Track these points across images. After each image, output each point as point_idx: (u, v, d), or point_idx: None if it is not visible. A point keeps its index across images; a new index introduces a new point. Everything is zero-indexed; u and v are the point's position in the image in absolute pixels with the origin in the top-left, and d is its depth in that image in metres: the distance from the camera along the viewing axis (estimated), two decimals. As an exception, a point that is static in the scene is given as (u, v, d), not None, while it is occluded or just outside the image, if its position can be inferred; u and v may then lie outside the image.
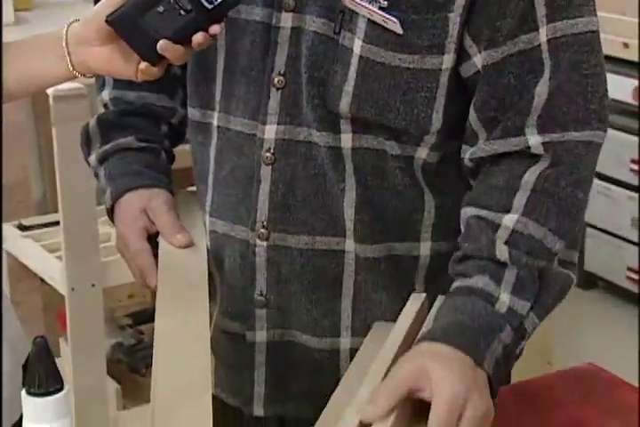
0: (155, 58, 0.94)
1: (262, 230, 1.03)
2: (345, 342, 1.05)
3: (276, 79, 0.99)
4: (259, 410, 1.10)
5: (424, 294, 1.01)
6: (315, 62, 0.97)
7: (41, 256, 2.25)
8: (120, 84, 1.18)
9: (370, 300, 1.04)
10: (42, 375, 0.75)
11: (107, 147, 1.17)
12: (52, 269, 2.19)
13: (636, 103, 2.89)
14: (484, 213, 0.96)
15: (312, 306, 1.04)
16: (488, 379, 0.88)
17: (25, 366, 1.03)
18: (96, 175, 1.21)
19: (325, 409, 0.90)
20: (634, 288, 3.00)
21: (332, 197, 1.00)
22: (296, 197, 1.01)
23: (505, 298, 0.91)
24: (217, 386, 1.14)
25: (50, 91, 2.02)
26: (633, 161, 2.90)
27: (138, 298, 2.71)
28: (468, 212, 0.98)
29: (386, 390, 0.84)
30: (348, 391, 0.90)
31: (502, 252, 0.93)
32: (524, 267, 0.93)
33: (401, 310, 1.01)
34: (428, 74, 0.95)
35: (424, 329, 0.94)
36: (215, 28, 0.93)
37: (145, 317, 2.57)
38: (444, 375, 0.84)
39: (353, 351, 1.03)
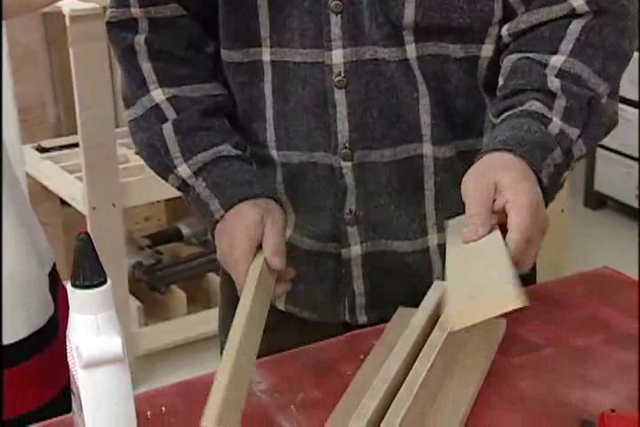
0: None
1: (346, 151, 1.06)
2: (432, 238, 1.10)
3: (332, 4, 1.01)
4: (363, 319, 1.15)
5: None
6: None
7: (61, 177, 2.28)
8: (167, 80, 1.08)
9: (450, 197, 1.07)
10: (86, 269, 0.78)
11: (204, 155, 1.06)
12: (73, 190, 2.23)
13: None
14: (531, 55, 1.00)
15: (400, 213, 1.09)
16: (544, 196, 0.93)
17: (50, 274, 1.07)
18: (184, 187, 1.08)
19: (349, 388, 0.94)
20: (643, 207, 3.04)
21: (406, 106, 1.04)
22: (373, 114, 1.04)
23: (557, 121, 0.97)
24: (312, 310, 1.17)
25: (66, 11, 2.03)
26: (645, 80, 2.90)
27: (154, 221, 2.76)
28: (512, 58, 1.02)
29: (476, 215, 0.90)
30: (368, 373, 0.95)
31: (553, 82, 0.98)
32: (575, 96, 0.98)
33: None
34: None
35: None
36: None
37: (163, 238, 2.62)
38: (519, 185, 0.90)
39: (441, 246, 1.10)
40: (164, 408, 0.95)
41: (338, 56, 1.02)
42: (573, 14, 1.01)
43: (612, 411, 0.83)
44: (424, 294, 1.03)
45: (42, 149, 2.39)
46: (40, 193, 2.43)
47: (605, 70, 1.00)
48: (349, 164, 1.07)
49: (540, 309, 1.10)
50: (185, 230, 2.62)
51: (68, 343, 0.82)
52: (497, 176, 0.92)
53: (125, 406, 0.81)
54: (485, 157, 0.96)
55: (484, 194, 0.92)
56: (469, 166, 1.03)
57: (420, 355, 0.93)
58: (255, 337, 0.93)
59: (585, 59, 1.00)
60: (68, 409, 1.02)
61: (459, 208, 1.08)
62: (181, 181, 1.07)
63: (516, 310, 1.08)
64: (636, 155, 3.02)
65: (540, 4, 1.01)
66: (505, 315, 1.06)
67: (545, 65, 1.00)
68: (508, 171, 0.93)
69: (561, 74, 0.99)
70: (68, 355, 0.83)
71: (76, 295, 0.79)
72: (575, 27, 1.00)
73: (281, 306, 1.17)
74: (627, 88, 2.97)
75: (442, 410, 0.92)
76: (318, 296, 1.15)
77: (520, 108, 0.99)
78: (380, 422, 0.84)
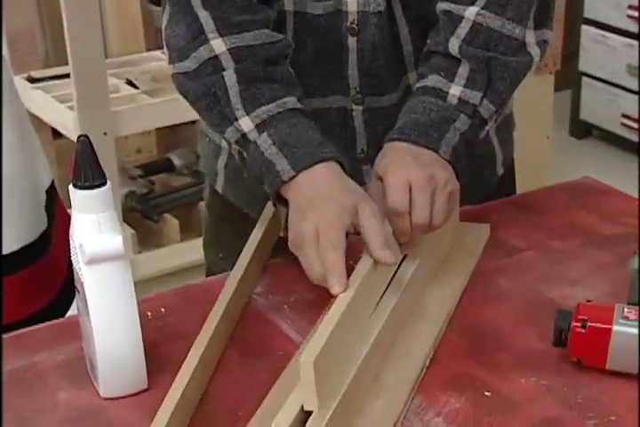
0: None
1: (357, 95, 1.09)
2: None
3: None
4: None
5: None
6: None
7: (52, 107, 2.30)
8: (227, 28, 1.01)
9: None
10: (87, 170, 0.82)
11: (269, 108, 0.99)
12: (65, 119, 2.25)
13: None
14: (452, 6, 1.03)
15: None
16: (453, 167, 0.98)
17: (48, 192, 1.10)
18: (243, 142, 1.00)
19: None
20: (629, 135, 3.07)
21: (412, 59, 1.07)
22: (380, 62, 1.07)
23: (455, 91, 1.01)
24: None
25: (53, -62, 2.02)
26: (631, 7, 2.91)
27: (146, 153, 2.78)
28: (440, 6, 1.05)
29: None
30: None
31: (454, 46, 1.02)
32: (474, 59, 1.01)
33: None
34: None
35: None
36: None
37: (155, 168, 2.65)
38: (397, 167, 0.94)
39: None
40: (163, 309, 0.99)
41: (352, 4, 1.06)
42: None
43: (588, 301, 0.88)
44: None
45: (32, 80, 2.40)
46: (32, 123, 2.44)
47: (518, 14, 1.02)
48: (360, 107, 1.10)
49: (522, 215, 1.14)
50: (176, 161, 2.65)
51: (71, 242, 0.86)
52: (388, 166, 0.96)
53: (128, 300, 0.86)
54: (383, 148, 1.00)
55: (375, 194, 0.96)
56: None
57: (405, 261, 0.97)
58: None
59: (497, 9, 1.01)
60: (62, 314, 1.07)
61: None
62: (241, 135, 1.00)
63: (498, 217, 1.13)
64: (621, 82, 3.04)
65: None
66: (489, 221, 1.12)
67: (460, 19, 1.02)
68: (398, 158, 0.97)
69: (471, 31, 1.02)
70: (72, 254, 0.87)
71: (77, 196, 0.83)
72: None
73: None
74: (611, 15, 2.99)
75: (427, 308, 0.97)
76: None
77: (424, 81, 1.03)
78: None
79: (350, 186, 0.96)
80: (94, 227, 0.83)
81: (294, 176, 0.96)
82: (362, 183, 1.14)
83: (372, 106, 1.10)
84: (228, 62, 1.00)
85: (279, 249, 1.12)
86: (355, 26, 1.06)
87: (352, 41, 1.07)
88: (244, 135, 1.00)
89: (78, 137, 0.83)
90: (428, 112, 1.01)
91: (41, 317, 1.04)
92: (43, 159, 1.13)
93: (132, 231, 2.43)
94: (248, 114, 0.99)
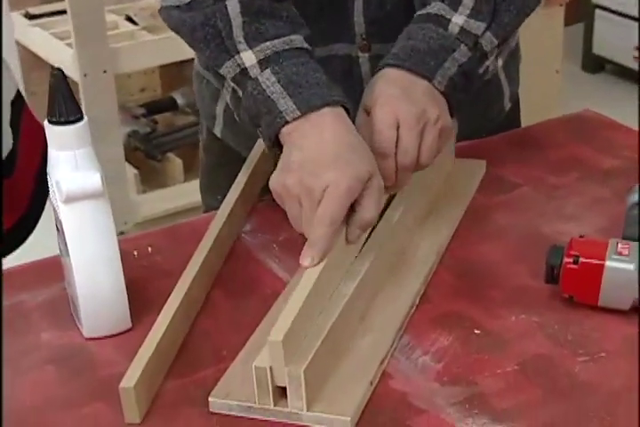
0: None
1: (363, 42, 1.05)
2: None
3: None
4: None
5: None
6: None
7: (51, 44, 2.26)
8: None
9: None
10: (62, 105, 0.79)
11: (275, 43, 0.92)
12: (63, 57, 2.21)
13: None
14: None
15: None
16: (448, 102, 0.94)
17: (14, 104, 1.06)
18: (241, 79, 0.93)
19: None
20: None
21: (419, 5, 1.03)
22: (387, 8, 1.03)
23: (458, 20, 0.97)
24: None
25: None
26: None
27: (149, 92, 2.75)
28: None
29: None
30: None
31: None
32: None
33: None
34: None
35: None
36: None
37: (158, 107, 2.62)
38: (386, 102, 0.90)
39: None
40: (150, 248, 0.98)
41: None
42: None
43: (581, 237, 0.85)
44: None
45: (30, 16, 2.36)
46: (31, 61, 2.41)
47: None
48: (366, 55, 1.06)
49: (520, 151, 1.11)
50: (179, 100, 2.62)
51: (49, 179, 0.84)
52: (377, 96, 0.92)
53: (108, 239, 0.84)
54: (373, 78, 0.96)
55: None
56: None
57: (397, 196, 0.95)
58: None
59: None
60: (30, 231, 1.05)
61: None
62: (240, 70, 0.93)
63: (495, 153, 1.10)
64: (635, 14, 2.97)
65: None
66: (485, 157, 1.09)
67: None
68: (387, 87, 0.93)
69: None
70: (50, 192, 0.85)
71: (53, 132, 0.81)
72: None
73: None
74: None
75: (421, 243, 0.95)
76: None
77: (424, 10, 0.99)
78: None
79: (359, 146, 0.88)
80: (71, 164, 0.81)
81: (299, 117, 0.88)
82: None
83: (379, 53, 1.05)
84: None
85: (269, 188, 1.10)
86: None
87: None
88: (243, 70, 0.93)
89: (51, 71, 0.80)
90: (427, 39, 0.96)
91: (10, 235, 1.02)
92: (7, 71, 1.07)
93: (135, 171, 2.41)
94: (251, 48, 0.92)
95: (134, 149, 2.48)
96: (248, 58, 0.92)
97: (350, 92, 1.06)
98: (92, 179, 0.82)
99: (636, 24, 2.98)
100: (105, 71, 2.17)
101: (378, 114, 0.91)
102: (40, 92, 2.40)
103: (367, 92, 0.95)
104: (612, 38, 3.09)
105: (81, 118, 0.81)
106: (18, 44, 2.39)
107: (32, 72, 2.40)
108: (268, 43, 0.92)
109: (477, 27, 0.97)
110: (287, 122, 0.89)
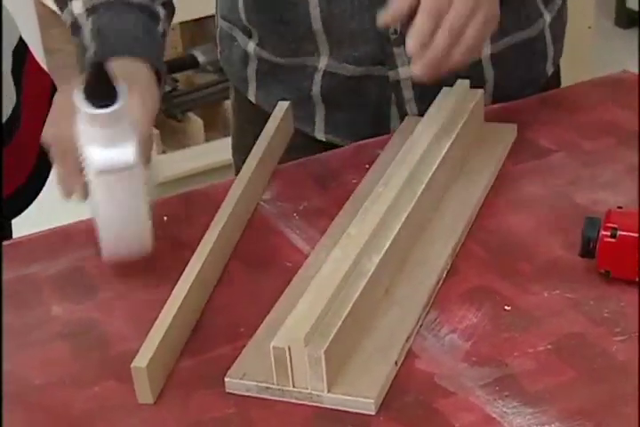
0: None
1: None
2: (486, 49, 1.05)
3: None
4: None
5: (467, 81, 1.00)
6: None
7: None
8: None
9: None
10: (101, 90, 0.76)
11: None
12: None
13: None
14: None
15: None
16: None
17: (15, 52, 1.01)
18: (76, 29, 0.94)
19: (353, 195, 0.92)
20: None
21: None
22: None
23: None
24: (355, 137, 1.09)
25: None
26: None
27: (169, 49, 2.69)
28: None
29: None
30: (372, 181, 0.92)
31: None
32: None
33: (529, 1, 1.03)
34: None
35: None
36: None
37: (178, 65, 2.56)
38: None
39: (493, 56, 1.06)
40: (165, 218, 0.94)
41: None
42: None
43: (619, 208, 0.80)
44: None
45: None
46: (50, 18, 2.36)
47: None
48: None
49: (553, 113, 1.06)
50: (200, 58, 2.56)
51: (80, 152, 0.81)
52: None
53: (138, 209, 0.81)
54: None
55: None
56: None
57: (424, 161, 0.91)
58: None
59: None
60: (31, 201, 1.01)
61: (509, 12, 1.01)
62: (73, 19, 0.93)
63: (527, 116, 1.05)
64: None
65: None
66: (516, 121, 1.03)
67: None
68: None
69: None
70: (82, 163, 0.81)
71: (88, 111, 0.78)
72: None
73: (321, 136, 1.12)
74: None
75: (444, 216, 0.90)
76: (361, 123, 1.10)
77: None
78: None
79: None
80: (106, 139, 0.78)
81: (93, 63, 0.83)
82: (394, 67, 1.05)
83: None
84: None
85: (291, 151, 1.05)
86: None
87: None
88: (75, 19, 0.93)
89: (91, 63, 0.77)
90: None
91: (7, 204, 0.98)
92: (8, 15, 1.02)
93: (156, 131, 2.36)
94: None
95: (154, 109, 2.44)
96: (77, 6, 0.93)
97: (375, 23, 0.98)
98: (126, 154, 0.79)
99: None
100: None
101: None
102: (60, 49, 2.35)
103: None
104: (646, -8, 3.00)
105: (117, 100, 0.78)
106: (36, 1, 2.34)
107: (50, 29, 2.35)
108: None
109: None
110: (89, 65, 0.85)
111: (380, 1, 0.99)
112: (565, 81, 1.21)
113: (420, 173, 0.89)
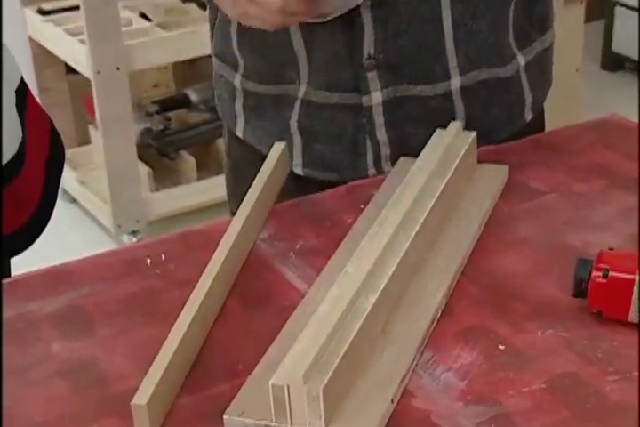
0: None
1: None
2: (455, 82, 1.08)
3: None
4: (388, 169, 1.11)
5: (459, 123, 1.03)
6: None
7: (64, 40, 2.24)
8: None
9: (469, 30, 1.05)
10: None
11: None
12: (77, 53, 2.19)
13: None
14: None
15: (421, 54, 1.06)
16: None
17: (17, 91, 1.02)
18: None
19: (348, 235, 0.93)
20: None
21: None
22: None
23: None
24: (333, 170, 1.13)
25: None
26: None
27: (162, 88, 2.72)
28: None
29: None
30: (367, 221, 0.93)
31: None
32: None
33: (500, 38, 1.06)
34: None
35: None
36: None
37: (171, 104, 2.59)
38: None
39: (463, 90, 1.08)
40: (163, 256, 0.95)
41: None
42: None
43: (611, 249, 0.82)
44: None
45: (43, 12, 2.33)
46: (44, 58, 2.39)
47: None
48: (368, 3, 1.02)
49: (544, 156, 1.08)
50: (193, 96, 2.60)
51: None
52: None
53: None
54: None
55: None
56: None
57: (418, 202, 0.92)
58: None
59: None
60: (33, 240, 1.01)
61: (479, 43, 1.05)
62: None
63: (518, 158, 1.07)
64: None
65: None
66: (508, 162, 1.05)
67: None
68: None
69: None
70: None
71: None
72: None
73: (299, 170, 1.14)
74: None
75: (439, 256, 0.92)
76: (339, 154, 1.12)
77: None
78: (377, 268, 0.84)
79: None
80: None
81: None
82: (367, 92, 1.07)
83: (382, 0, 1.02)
84: None
85: (286, 191, 1.07)
86: None
87: None
88: None
89: None
90: None
91: (9, 243, 0.98)
92: (9, 58, 1.03)
93: (148, 169, 2.38)
94: None
95: (147, 147, 2.46)
96: None
97: (350, 46, 1.04)
98: None
99: (657, 22, 2.93)
100: (118, 68, 2.15)
101: None
102: (53, 88, 2.38)
103: None
104: (631, 36, 3.05)
105: None
106: (31, 40, 2.37)
107: (45, 69, 2.38)
108: None
109: None
110: None
111: (356, 19, 1.03)
112: (553, 123, 1.23)
113: (415, 214, 0.91)
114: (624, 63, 3.17)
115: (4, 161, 0.96)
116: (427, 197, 0.93)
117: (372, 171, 1.13)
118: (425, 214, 0.91)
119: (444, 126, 1.04)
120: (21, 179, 1.00)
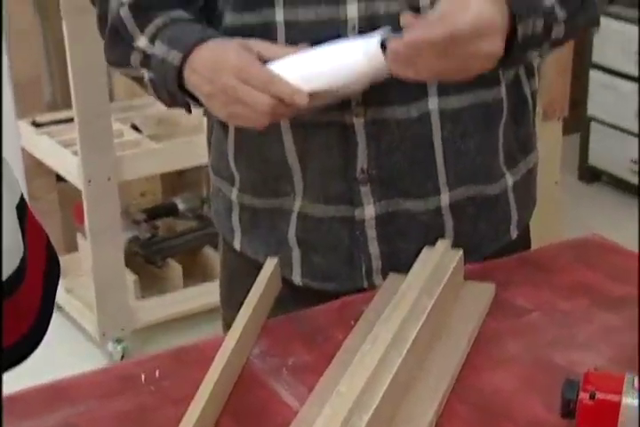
0: None
1: (359, 108, 1.06)
2: (444, 198, 1.11)
3: None
4: (380, 282, 1.13)
5: (447, 241, 1.07)
6: None
7: (56, 151, 2.29)
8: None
9: (459, 150, 1.10)
10: None
11: (156, 21, 1.07)
12: (68, 164, 2.24)
13: (642, -5, 2.87)
14: None
15: (413, 171, 1.10)
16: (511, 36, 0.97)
17: (18, 207, 1.05)
18: (146, 60, 1.07)
19: (340, 352, 0.96)
20: (637, 180, 3.04)
21: None
22: None
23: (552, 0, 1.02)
24: (330, 280, 1.16)
25: (58, -16, 2.03)
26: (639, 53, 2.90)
27: (150, 196, 2.76)
28: None
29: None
30: (358, 338, 0.97)
31: None
32: None
33: (488, 158, 1.10)
34: None
35: None
36: None
37: (159, 212, 2.63)
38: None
39: (452, 206, 1.12)
40: (157, 372, 0.96)
41: (352, 10, 1.03)
42: None
43: (596, 369, 0.84)
44: None
45: (37, 124, 2.39)
46: (36, 168, 2.44)
47: None
48: (362, 120, 1.07)
49: (529, 274, 1.11)
50: (181, 205, 2.63)
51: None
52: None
53: None
54: None
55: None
56: (483, 120, 1.06)
57: (408, 320, 0.95)
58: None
59: None
60: (32, 351, 1.03)
61: (467, 163, 1.10)
62: (142, 53, 1.07)
63: (504, 276, 1.11)
64: (630, 128, 3.02)
65: None
66: (494, 280, 1.09)
67: None
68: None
69: None
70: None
71: None
72: None
73: (297, 280, 1.17)
74: (619, 61, 2.98)
75: (429, 374, 0.94)
76: (335, 265, 1.15)
77: None
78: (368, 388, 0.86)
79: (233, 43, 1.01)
80: None
81: (184, 57, 1.02)
82: (360, 205, 1.11)
83: (376, 117, 1.07)
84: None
85: (283, 301, 1.09)
86: (356, 33, 1.03)
87: None
88: (144, 53, 1.07)
89: None
90: None
91: (9, 355, 0.99)
92: (10, 174, 1.07)
93: (135, 277, 2.40)
94: (142, 32, 1.07)
95: (134, 255, 2.48)
96: (142, 41, 1.07)
97: (344, 161, 1.09)
98: None
99: (631, 137, 3.02)
100: (109, 178, 2.19)
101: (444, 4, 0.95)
102: (43, 197, 2.42)
103: None
104: (607, 150, 3.14)
105: None
106: (24, 151, 2.42)
107: (36, 179, 2.42)
108: (154, 22, 1.07)
109: (561, 14, 1.01)
110: (176, 67, 1.03)
111: (350, 136, 1.07)
112: (534, 233, 1.26)
113: (405, 332, 0.93)
114: (600, 176, 3.25)
115: (6, 276, 0.98)
116: (417, 315, 0.96)
117: (365, 282, 1.15)
118: (415, 332, 0.93)
119: (434, 242, 1.08)
120: (21, 292, 1.02)
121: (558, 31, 1.02)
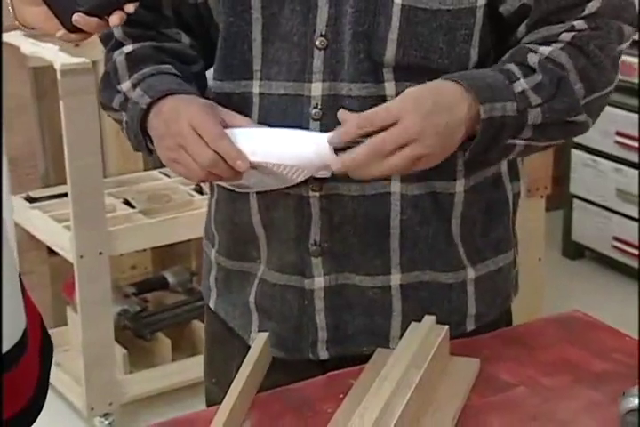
0: (71, 26, 1.04)
1: (315, 182, 1.10)
2: (395, 278, 1.14)
3: (317, 41, 1.07)
4: (324, 354, 1.16)
5: (433, 317, 1.10)
6: (358, 18, 1.06)
7: (49, 226, 2.32)
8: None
9: (416, 235, 1.12)
10: None
11: (145, 70, 1.13)
12: (61, 239, 2.27)
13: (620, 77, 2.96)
14: (523, 47, 1.08)
15: (364, 247, 1.13)
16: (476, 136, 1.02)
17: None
18: (125, 103, 1.13)
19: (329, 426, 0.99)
20: (622, 258, 3.09)
21: None
22: None
23: (524, 84, 1.04)
24: (280, 348, 1.17)
25: (57, 65, 2.09)
26: (618, 133, 2.98)
27: (140, 269, 2.79)
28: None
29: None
30: (348, 411, 0.99)
31: (532, 58, 1.06)
32: (548, 72, 1.05)
33: (444, 243, 1.13)
34: (466, 12, 1.06)
35: None
36: (130, 8, 1.03)
37: (149, 286, 2.65)
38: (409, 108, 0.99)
39: (403, 287, 1.14)
40: (150, 445, 0.98)
41: (316, 89, 1.08)
42: (571, 30, 1.08)
43: (578, 445, 0.87)
44: (383, 331, 1.11)
45: (31, 200, 2.43)
46: (28, 242, 2.46)
47: (585, 70, 1.07)
48: (317, 194, 1.11)
49: (513, 350, 1.14)
50: (170, 279, 2.66)
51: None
52: (413, 95, 1.02)
53: None
54: (428, 83, 1.03)
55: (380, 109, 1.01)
56: (437, 207, 1.10)
57: (397, 394, 0.97)
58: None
59: (570, 54, 1.06)
60: (34, 418, 1.04)
61: (424, 248, 1.13)
62: (123, 96, 1.13)
63: (488, 351, 1.14)
64: (612, 206, 3.08)
65: (543, 24, 1.08)
66: (479, 355, 1.12)
67: (535, 51, 1.07)
68: (427, 95, 1.01)
69: (545, 58, 1.06)
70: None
71: None
72: (565, 35, 1.07)
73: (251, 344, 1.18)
74: (599, 140, 3.06)
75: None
76: (284, 333, 1.17)
77: (499, 65, 1.07)
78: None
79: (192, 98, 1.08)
80: None
81: (152, 102, 1.08)
82: (310, 276, 1.14)
83: (331, 193, 1.10)
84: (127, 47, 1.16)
85: (268, 381, 1.11)
86: (318, 110, 1.08)
87: (315, 126, 1.09)
88: (125, 95, 1.13)
89: None
90: (492, 78, 1.04)
91: (22, 417, 1.01)
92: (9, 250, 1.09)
93: (124, 351, 2.41)
94: (129, 77, 1.13)
95: (123, 328, 2.49)
96: (126, 85, 1.14)
97: (298, 233, 1.13)
98: None
99: (614, 215, 3.08)
100: (101, 253, 2.22)
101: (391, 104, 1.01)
102: (34, 271, 2.44)
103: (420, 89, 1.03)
104: (589, 227, 3.19)
105: None
106: (17, 225, 2.45)
107: (28, 252, 2.45)
108: (142, 70, 1.13)
109: (534, 99, 1.04)
110: (142, 109, 1.09)
111: (306, 208, 1.11)
112: (519, 308, 1.29)
113: (393, 406, 0.96)
114: (584, 252, 3.30)
115: (8, 347, 1.01)
116: (404, 389, 0.98)
117: (310, 353, 1.17)
118: (402, 406, 0.96)
119: (382, 318, 1.11)
120: (21, 365, 1.04)
121: (535, 115, 1.04)
